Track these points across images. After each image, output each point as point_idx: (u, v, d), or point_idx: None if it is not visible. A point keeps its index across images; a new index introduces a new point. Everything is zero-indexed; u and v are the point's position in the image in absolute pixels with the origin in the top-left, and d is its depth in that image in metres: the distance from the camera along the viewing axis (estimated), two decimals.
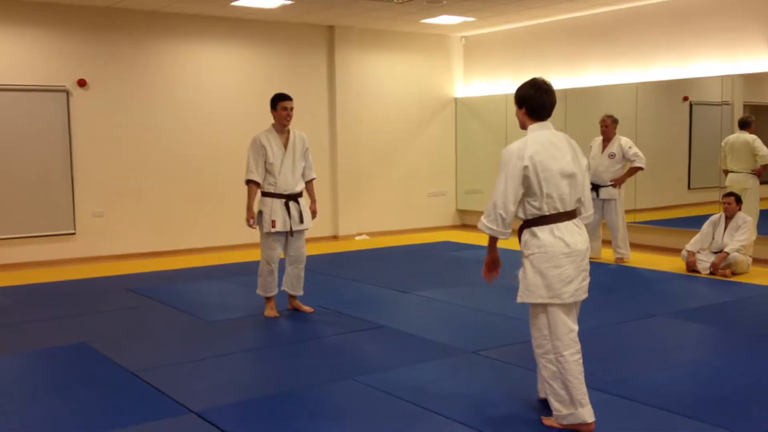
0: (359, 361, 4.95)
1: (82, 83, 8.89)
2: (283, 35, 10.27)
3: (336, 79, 10.64)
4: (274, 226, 5.90)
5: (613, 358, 4.94)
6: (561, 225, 3.63)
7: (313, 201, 6.24)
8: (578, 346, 3.63)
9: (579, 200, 3.71)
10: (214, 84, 9.82)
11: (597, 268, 8.23)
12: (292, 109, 5.98)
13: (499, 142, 11.33)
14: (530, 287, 3.67)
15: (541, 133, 3.74)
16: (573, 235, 3.64)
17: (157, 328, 5.87)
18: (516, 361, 4.82)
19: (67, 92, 8.82)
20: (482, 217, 3.78)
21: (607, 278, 7.78)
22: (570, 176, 3.64)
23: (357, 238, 10.71)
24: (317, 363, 4.98)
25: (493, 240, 3.83)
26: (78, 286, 7.61)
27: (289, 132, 6.02)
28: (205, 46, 9.73)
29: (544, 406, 3.87)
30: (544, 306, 3.65)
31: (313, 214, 6.21)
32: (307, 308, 6.25)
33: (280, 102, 5.96)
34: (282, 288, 6.25)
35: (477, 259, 8.85)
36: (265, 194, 5.98)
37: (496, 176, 3.65)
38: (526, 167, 3.59)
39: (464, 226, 11.90)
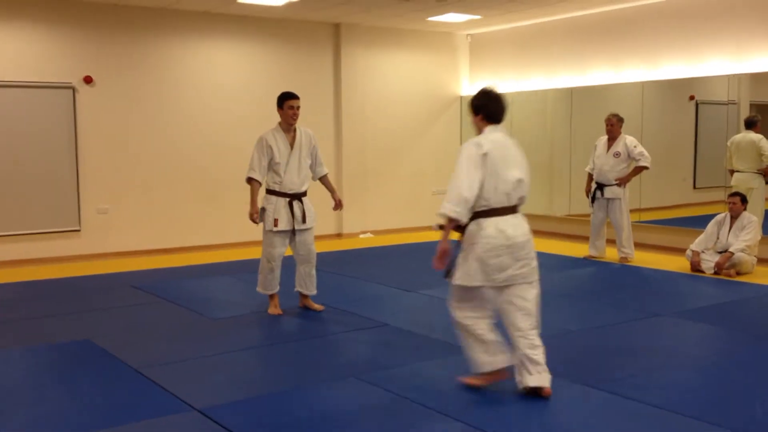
0: (363, 359, 4.95)
1: (88, 80, 8.91)
2: (289, 33, 10.27)
3: (342, 76, 10.64)
4: (276, 225, 5.90)
5: (617, 357, 4.93)
6: (504, 218, 4.05)
7: (333, 192, 6.23)
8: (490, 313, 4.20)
9: (522, 198, 4.14)
10: (220, 81, 9.83)
11: (601, 267, 8.24)
12: (298, 108, 5.97)
13: None
14: (470, 272, 4.08)
15: (494, 135, 4.24)
16: (514, 228, 4.06)
17: (161, 325, 5.89)
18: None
19: (73, 89, 8.84)
20: (445, 203, 4.05)
21: (612, 277, 7.77)
22: (518, 177, 4.11)
23: (362, 236, 10.71)
24: (321, 361, 4.99)
25: (449, 228, 4.10)
26: (82, 282, 7.63)
27: (295, 131, 6.02)
28: (211, 43, 9.73)
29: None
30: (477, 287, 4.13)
31: (338, 203, 6.21)
32: (317, 306, 6.24)
33: (286, 101, 5.96)
34: (295, 289, 6.25)
35: None
36: (269, 192, 6.00)
37: (453, 173, 4.08)
38: (484, 155, 4.07)
39: None
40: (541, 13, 10.01)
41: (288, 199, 5.94)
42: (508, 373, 4.19)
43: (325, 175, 6.23)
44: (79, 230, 8.97)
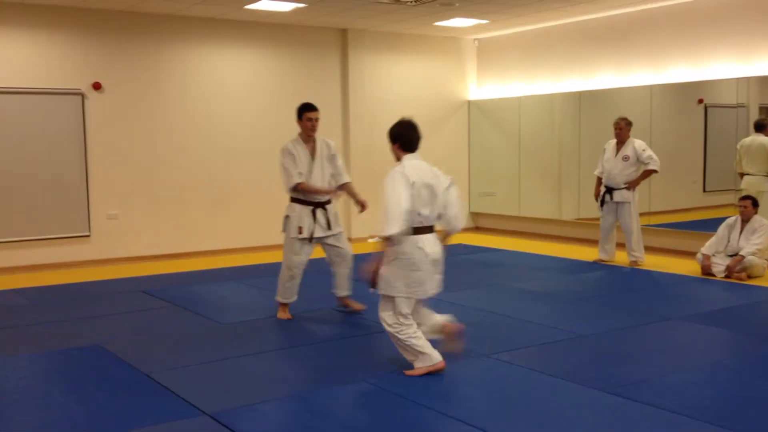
0: (373, 363, 4.94)
1: (97, 86, 8.94)
2: (296, 38, 10.30)
3: (349, 81, 10.66)
4: (300, 233, 5.96)
5: (627, 361, 4.91)
6: (423, 237, 4.58)
7: (356, 195, 6.19)
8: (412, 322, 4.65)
9: (440, 215, 4.75)
10: (228, 87, 9.86)
11: (611, 271, 8.21)
12: (317, 119, 6.02)
13: (512, 145, 11.33)
14: (392, 284, 4.55)
15: (413, 162, 4.76)
16: (432, 246, 4.62)
17: (171, 330, 5.89)
18: (530, 364, 4.80)
19: (83, 95, 8.88)
20: (383, 226, 4.46)
21: (621, 281, 7.74)
22: (434, 196, 4.71)
23: (371, 240, 10.70)
24: (331, 365, 4.99)
25: (386, 246, 4.52)
26: (92, 288, 7.65)
27: (315, 141, 6.06)
28: (220, 49, 9.76)
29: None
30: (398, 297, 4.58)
31: (363, 205, 6.11)
32: (358, 305, 6.27)
33: (305, 113, 6.01)
34: (332, 291, 6.28)
35: (491, 262, 8.85)
36: (293, 200, 6.05)
37: (385, 196, 4.54)
38: (413, 183, 4.59)
39: (477, 229, 11.87)
40: (548, 17, 10.00)
41: (312, 208, 5.98)
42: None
43: (347, 183, 6.23)
44: (88, 236, 9.00)
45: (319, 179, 6.02)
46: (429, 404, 4.08)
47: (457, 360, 4.91)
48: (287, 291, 6.13)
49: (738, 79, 8.61)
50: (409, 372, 4.60)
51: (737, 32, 8.55)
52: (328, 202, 6.09)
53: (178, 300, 6.88)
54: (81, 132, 8.88)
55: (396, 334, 4.60)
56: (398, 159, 4.80)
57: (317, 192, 5.97)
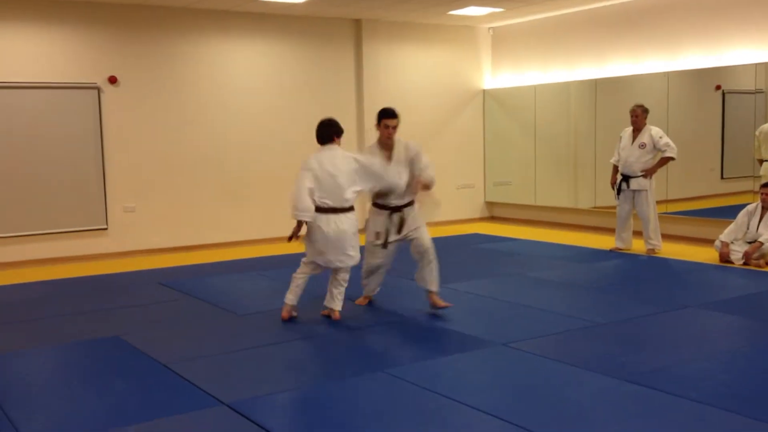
0: (390, 353, 4.95)
1: (112, 80, 8.98)
2: (309, 29, 10.29)
3: (363, 72, 10.64)
4: (378, 239, 5.91)
5: (646, 349, 4.89)
6: (325, 216, 5.62)
7: (420, 178, 5.92)
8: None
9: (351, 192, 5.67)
10: (243, 79, 9.87)
11: (628, 259, 8.17)
12: (395, 127, 5.87)
13: (527, 134, 11.28)
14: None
15: (321, 153, 5.75)
16: (329, 224, 5.63)
17: (189, 321, 5.93)
18: (547, 353, 4.79)
19: (98, 89, 8.92)
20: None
21: (639, 269, 7.70)
22: (336, 180, 5.60)
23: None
24: (348, 355, 5.00)
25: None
26: (110, 280, 7.71)
27: (392, 146, 5.92)
28: (234, 41, 9.77)
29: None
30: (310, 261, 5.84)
31: (427, 185, 5.90)
32: (444, 303, 6.00)
33: (383, 119, 5.89)
34: (419, 285, 6.06)
35: (507, 252, 8.83)
36: (375, 205, 6.00)
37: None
38: (312, 169, 5.63)
39: (493, 218, 11.84)
40: (563, 4, 9.93)
41: (388, 212, 5.90)
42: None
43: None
44: (106, 228, 9.06)
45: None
46: (445, 393, 4.09)
47: (473, 349, 4.91)
48: (365, 287, 6.29)
49: (756, 64, 8.51)
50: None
51: (754, 17, 8.45)
52: (407, 205, 5.91)
53: (195, 291, 6.92)
54: (98, 126, 8.93)
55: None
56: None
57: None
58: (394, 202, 5.88)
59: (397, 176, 5.81)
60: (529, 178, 11.26)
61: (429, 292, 6.03)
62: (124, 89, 9.07)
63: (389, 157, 5.89)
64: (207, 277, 7.66)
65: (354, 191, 5.66)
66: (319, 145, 5.81)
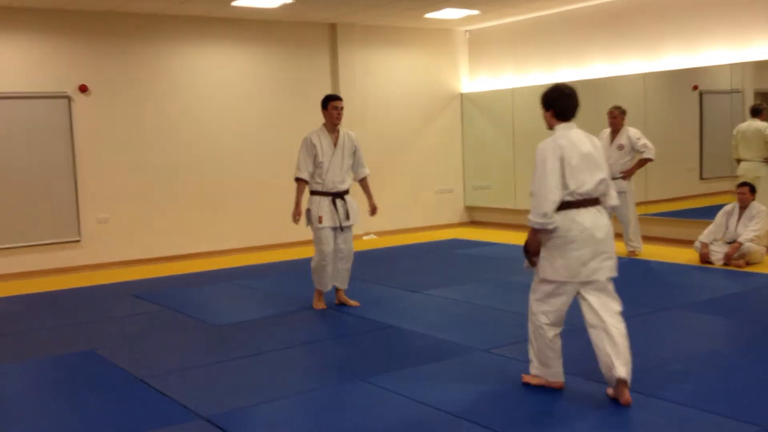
0: (370, 362, 4.87)
1: (83, 89, 8.84)
2: (285, 35, 10.20)
3: (339, 77, 10.57)
4: (321, 222, 6.07)
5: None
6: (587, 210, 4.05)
7: (370, 197, 6.39)
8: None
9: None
10: (217, 86, 9.76)
11: None
12: (342, 108, 6.17)
13: (506, 137, 11.26)
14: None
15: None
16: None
17: (165, 334, 5.82)
18: (528, 358, 4.73)
19: (69, 98, 8.77)
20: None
21: (620, 271, 7.62)
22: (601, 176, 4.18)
23: (365, 237, 10.63)
24: (326, 365, 4.93)
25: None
26: (84, 293, 7.57)
27: (338, 132, 6.20)
28: (207, 47, 9.67)
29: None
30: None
31: (374, 210, 6.37)
32: (353, 302, 6.37)
33: (331, 102, 6.16)
34: (332, 284, 6.36)
35: (487, 256, 8.78)
36: (313, 192, 6.18)
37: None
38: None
39: (473, 223, 11.80)
40: (539, 6, 9.93)
41: (331, 198, 6.12)
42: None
43: (366, 177, 6.39)
44: (79, 240, 8.90)
45: (339, 170, 6.15)
46: (427, 401, 4.02)
47: (454, 356, 4.84)
48: (321, 280, 6.26)
49: (732, 64, 8.55)
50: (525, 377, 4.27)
51: (731, 17, 8.49)
52: (347, 192, 6.22)
53: (170, 303, 6.80)
54: (68, 136, 8.78)
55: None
56: (550, 128, 4.32)
57: (297, 203, 6.16)
58: (336, 188, 6.13)
59: (341, 162, 6.13)
60: (508, 182, 11.23)
61: (342, 291, 6.37)
62: (95, 98, 8.93)
63: (335, 141, 6.16)
64: (183, 288, 7.54)
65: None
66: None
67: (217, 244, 9.75)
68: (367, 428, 3.77)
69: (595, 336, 3.97)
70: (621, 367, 3.84)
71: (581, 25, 10.09)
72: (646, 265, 7.87)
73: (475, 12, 10.06)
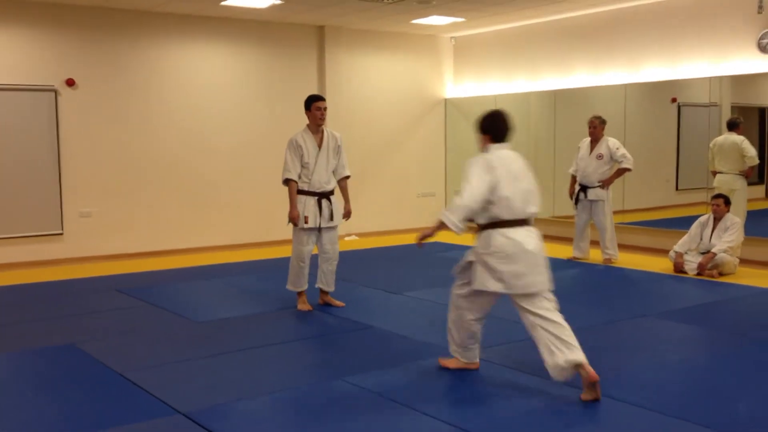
0: (348, 361, 4.94)
1: (70, 83, 8.84)
2: (273, 35, 10.25)
3: (326, 79, 10.63)
4: (306, 222, 6.10)
5: (601, 358, 4.94)
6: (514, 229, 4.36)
7: (346, 201, 6.42)
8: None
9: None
10: (204, 84, 9.80)
11: (585, 268, 8.27)
12: (325, 108, 6.18)
13: None
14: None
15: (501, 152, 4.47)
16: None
17: (146, 329, 5.85)
18: (504, 361, 4.83)
19: (56, 92, 8.78)
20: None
21: (595, 279, 7.80)
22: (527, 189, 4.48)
23: (347, 238, 10.70)
24: (306, 363, 4.98)
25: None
26: (66, 286, 7.57)
27: (323, 132, 6.22)
28: (195, 46, 9.70)
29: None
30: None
31: (348, 214, 6.41)
32: (338, 303, 6.42)
33: (314, 102, 6.17)
34: (317, 285, 6.40)
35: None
36: (299, 192, 6.17)
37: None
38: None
39: None
40: (525, 15, 10.05)
41: (316, 198, 6.15)
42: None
43: (345, 178, 6.40)
44: (61, 234, 8.91)
45: (324, 170, 6.19)
46: (405, 402, 4.09)
47: (433, 356, 4.92)
48: (298, 280, 6.30)
49: (711, 78, 8.70)
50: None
51: (711, 31, 8.64)
52: (332, 192, 6.25)
53: (152, 298, 6.83)
54: (54, 129, 8.78)
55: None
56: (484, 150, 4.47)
57: (293, 206, 6.10)
58: (321, 188, 6.15)
59: (326, 162, 6.15)
60: None
61: (327, 293, 6.42)
62: (82, 92, 8.94)
63: (320, 142, 6.18)
64: (165, 284, 7.57)
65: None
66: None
67: (200, 240, 9.79)
68: (344, 427, 3.83)
69: (538, 335, 4.23)
70: (576, 351, 4.12)
71: (565, 35, 10.23)
72: (622, 272, 8.00)
73: (461, 19, 10.16)
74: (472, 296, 4.48)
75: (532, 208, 4.36)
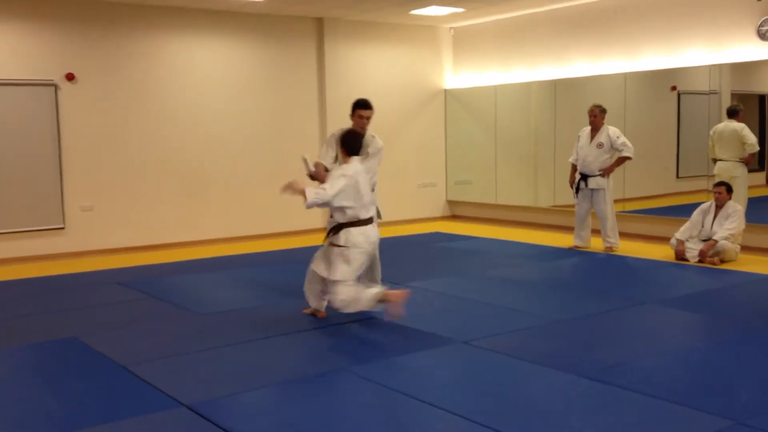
0: (351, 352, 4.95)
1: (70, 77, 8.84)
2: (271, 28, 10.24)
3: (326, 71, 10.62)
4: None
5: (603, 346, 4.96)
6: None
7: None
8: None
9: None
10: (203, 77, 9.79)
11: (586, 257, 8.29)
12: (369, 118, 6.00)
13: (488, 133, 11.37)
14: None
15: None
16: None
17: (148, 322, 5.86)
18: (506, 350, 4.84)
19: (56, 86, 8.77)
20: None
21: (597, 267, 7.81)
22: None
23: None
24: (310, 355, 4.99)
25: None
26: (68, 280, 7.59)
27: (364, 136, 5.97)
28: (194, 39, 9.68)
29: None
30: None
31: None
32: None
33: (357, 110, 6.01)
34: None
35: (467, 250, 8.89)
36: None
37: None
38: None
39: (454, 217, 11.91)
40: (524, 5, 10.03)
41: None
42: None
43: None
44: (63, 228, 8.92)
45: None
46: (407, 391, 4.10)
47: (434, 347, 4.94)
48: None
49: (710, 66, 8.69)
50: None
51: (710, 19, 8.63)
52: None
53: (154, 291, 6.84)
54: (54, 123, 8.78)
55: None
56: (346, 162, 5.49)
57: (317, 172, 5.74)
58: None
59: (368, 188, 5.64)
60: (489, 177, 11.35)
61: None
62: (82, 86, 8.93)
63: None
64: (167, 277, 7.58)
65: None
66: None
67: (201, 233, 9.79)
68: (348, 417, 3.84)
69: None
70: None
71: (564, 24, 10.20)
72: (623, 261, 8.01)
73: (460, 10, 10.14)
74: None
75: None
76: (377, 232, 5.52)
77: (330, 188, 5.21)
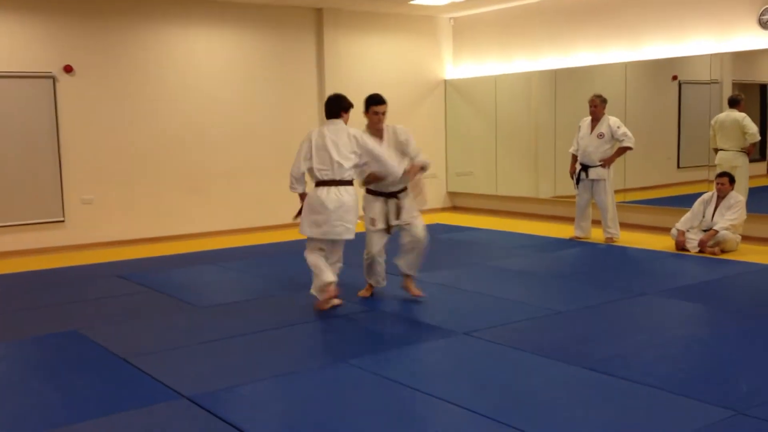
0: (352, 344, 4.95)
1: (68, 69, 8.81)
2: (271, 18, 10.20)
3: (325, 62, 10.59)
4: (374, 225, 5.84)
5: (603, 337, 4.96)
6: (326, 188, 5.55)
7: (417, 187, 5.97)
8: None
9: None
10: (202, 68, 9.76)
11: (587, 247, 8.28)
12: (384, 113, 5.85)
13: (489, 124, 11.34)
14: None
15: (325, 126, 5.74)
16: (329, 195, 5.55)
17: (148, 314, 5.86)
18: (508, 341, 4.84)
19: (54, 78, 8.74)
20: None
21: (598, 258, 7.81)
22: (336, 152, 5.56)
23: None
24: (310, 347, 5.00)
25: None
26: (68, 273, 7.59)
27: (383, 132, 5.88)
28: (193, 29, 9.65)
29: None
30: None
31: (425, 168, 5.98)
32: (418, 292, 6.04)
33: (371, 106, 5.84)
34: (400, 269, 6.04)
35: (468, 241, 8.88)
36: (368, 192, 5.92)
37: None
38: (308, 140, 5.66)
39: (455, 208, 11.90)
40: None
41: (384, 198, 5.83)
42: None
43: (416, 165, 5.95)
44: (63, 221, 8.91)
45: None
46: (408, 383, 4.10)
47: (435, 338, 4.93)
48: (368, 276, 6.12)
49: (712, 55, 8.66)
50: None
51: (711, 8, 8.59)
52: (402, 191, 5.87)
53: (154, 284, 6.84)
54: (53, 116, 8.76)
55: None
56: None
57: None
58: (390, 188, 5.81)
59: (397, 162, 5.67)
60: (490, 169, 11.33)
61: (406, 276, 6.03)
62: (80, 78, 8.91)
63: (380, 143, 5.81)
64: (167, 269, 7.58)
65: (352, 166, 5.53)
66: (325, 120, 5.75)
67: (201, 226, 9.78)
68: (348, 409, 3.84)
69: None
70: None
71: (565, 13, 10.16)
72: (624, 251, 8.00)
73: None
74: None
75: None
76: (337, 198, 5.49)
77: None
